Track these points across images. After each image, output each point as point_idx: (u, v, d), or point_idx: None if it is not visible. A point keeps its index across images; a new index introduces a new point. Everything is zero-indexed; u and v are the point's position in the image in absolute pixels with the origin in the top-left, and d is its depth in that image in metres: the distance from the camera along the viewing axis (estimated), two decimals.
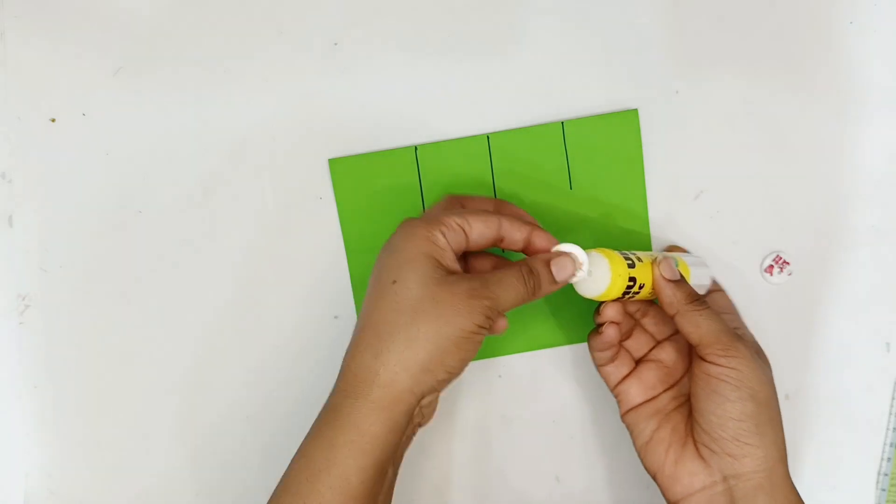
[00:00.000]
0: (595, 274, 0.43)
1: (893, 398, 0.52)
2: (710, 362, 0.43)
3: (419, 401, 0.41)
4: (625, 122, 0.51)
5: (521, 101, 0.51)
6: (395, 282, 0.40)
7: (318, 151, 0.51)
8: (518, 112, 0.51)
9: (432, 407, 0.44)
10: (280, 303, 0.51)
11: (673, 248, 0.50)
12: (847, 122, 0.51)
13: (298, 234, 0.51)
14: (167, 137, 0.51)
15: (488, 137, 0.50)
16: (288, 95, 0.51)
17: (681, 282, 0.44)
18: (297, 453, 0.42)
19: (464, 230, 0.42)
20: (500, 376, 0.51)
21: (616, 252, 0.44)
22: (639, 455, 0.46)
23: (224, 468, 0.51)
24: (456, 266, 0.42)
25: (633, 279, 0.43)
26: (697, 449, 0.44)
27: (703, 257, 0.50)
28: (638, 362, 0.47)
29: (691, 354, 0.46)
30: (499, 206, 0.47)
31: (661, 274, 0.44)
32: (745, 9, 0.51)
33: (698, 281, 0.47)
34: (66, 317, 0.51)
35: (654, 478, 0.45)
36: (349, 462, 0.39)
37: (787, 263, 0.48)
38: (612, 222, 0.51)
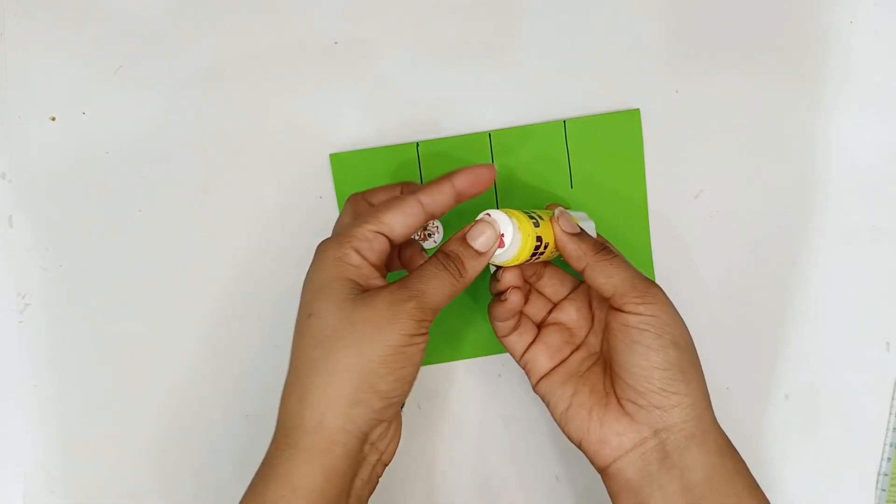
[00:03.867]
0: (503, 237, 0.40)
1: (893, 398, 0.52)
2: (627, 312, 0.40)
3: (361, 439, 0.37)
4: (626, 122, 0.51)
5: (522, 99, 0.51)
6: (310, 315, 0.38)
7: (318, 151, 0.51)
8: (520, 110, 0.51)
9: (389, 439, 0.40)
10: (280, 302, 0.51)
11: (551, 206, 0.45)
12: (847, 122, 0.51)
13: (299, 234, 0.51)
14: (167, 137, 0.51)
15: (490, 135, 0.50)
16: (288, 94, 0.51)
17: (583, 234, 0.42)
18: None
19: (382, 233, 0.39)
20: (499, 376, 0.51)
21: (519, 211, 0.40)
22: (559, 424, 0.43)
23: (224, 468, 0.51)
24: (377, 280, 0.39)
25: (539, 238, 0.41)
26: (622, 406, 0.41)
27: (585, 213, 0.47)
28: (539, 328, 0.45)
29: (591, 310, 0.44)
30: (405, 187, 0.45)
31: (562, 229, 0.41)
32: (746, 9, 0.51)
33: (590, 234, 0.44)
34: (66, 316, 0.51)
35: (580, 446, 0.42)
36: None
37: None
38: (613, 222, 0.51)
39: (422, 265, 0.39)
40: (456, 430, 0.51)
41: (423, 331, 0.37)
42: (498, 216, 0.40)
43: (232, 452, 0.51)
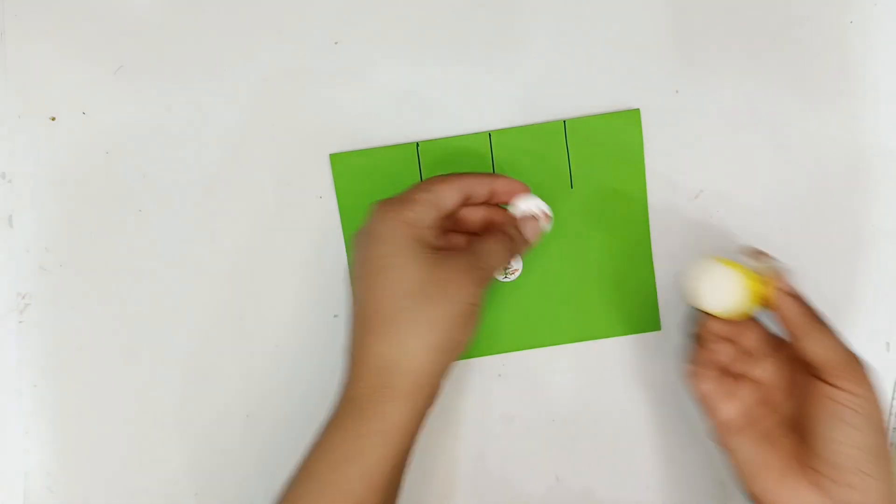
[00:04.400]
0: (725, 288, 0.41)
1: (893, 398, 0.52)
2: (835, 386, 0.40)
3: (438, 384, 0.41)
4: (626, 122, 0.51)
5: (522, 99, 0.51)
6: (391, 269, 0.41)
7: (318, 151, 0.51)
8: (519, 110, 0.51)
9: (442, 389, 0.44)
10: (279, 302, 0.51)
11: (758, 254, 0.45)
12: (847, 122, 0.51)
13: (298, 234, 0.51)
14: (167, 136, 0.51)
15: (490, 135, 0.50)
16: (288, 95, 0.51)
17: (801, 297, 0.41)
18: (316, 446, 0.42)
19: (433, 203, 0.42)
20: (499, 375, 0.51)
21: (735, 262, 0.41)
22: (740, 479, 0.43)
23: (223, 467, 0.51)
24: (439, 242, 0.43)
25: (754, 293, 0.41)
26: (814, 477, 0.40)
27: (782, 262, 0.46)
28: (733, 379, 0.44)
29: (792, 373, 0.43)
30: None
31: (783, 288, 0.41)
32: (746, 9, 0.51)
33: None
34: (66, 316, 0.51)
35: (757, 502, 0.42)
36: (377, 452, 0.40)
37: None
38: (613, 221, 0.51)
39: (487, 239, 0.44)
40: (456, 430, 0.51)
41: (484, 296, 0.43)
42: (720, 269, 0.41)
43: (232, 452, 0.51)
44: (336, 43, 0.51)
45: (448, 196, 0.43)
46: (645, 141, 0.51)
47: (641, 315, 0.51)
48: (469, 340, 0.42)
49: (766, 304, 0.42)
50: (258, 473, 0.51)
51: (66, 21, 0.51)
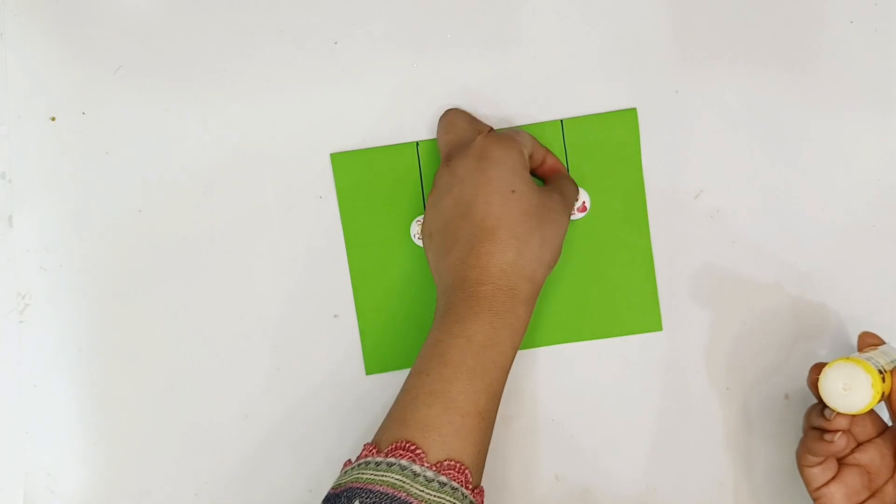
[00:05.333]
0: (857, 390, 0.42)
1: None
2: None
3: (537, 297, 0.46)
4: (623, 122, 0.51)
5: (520, 98, 0.51)
6: (514, 191, 0.45)
7: (318, 151, 0.51)
8: (518, 110, 0.51)
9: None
10: (279, 302, 0.51)
11: (868, 340, 0.47)
12: (846, 122, 0.51)
13: (298, 233, 0.51)
14: (167, 137, 0.51)
15: None
16: (288, 95, 0.51)
17: None
18: (446, 334, 0.44)
19: (531, 142, 0.48)
20: None
21: (866, 361, 0.42)
22: None
23: (223, 467, 0.51)
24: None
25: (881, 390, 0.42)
26: None
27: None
28: (839, 465, 0.45)
29: (894, 458, 0.45)
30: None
31: None
32: (745, 8, 0.51)
33: None
34: (66, 316, 0.51)
35: None
36: (508, 342, 0.44)
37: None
38: (612, 221, 0.51)
39: (562, 181, 0.49)
40: None
41: None
42: (853, 370, 0.42)
43: (232, 452, 0.51)
44: (336, 43, 0.51)
45: (533, 151, 0.48)
46: (645, 140, 0.51)
47: (642, 315, 0.51)
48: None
49: (885, 397, 0.43)
50: (258, 473, 0.51)
51: (66, 21, 0.51)
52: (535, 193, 0.45)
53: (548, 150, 0.50)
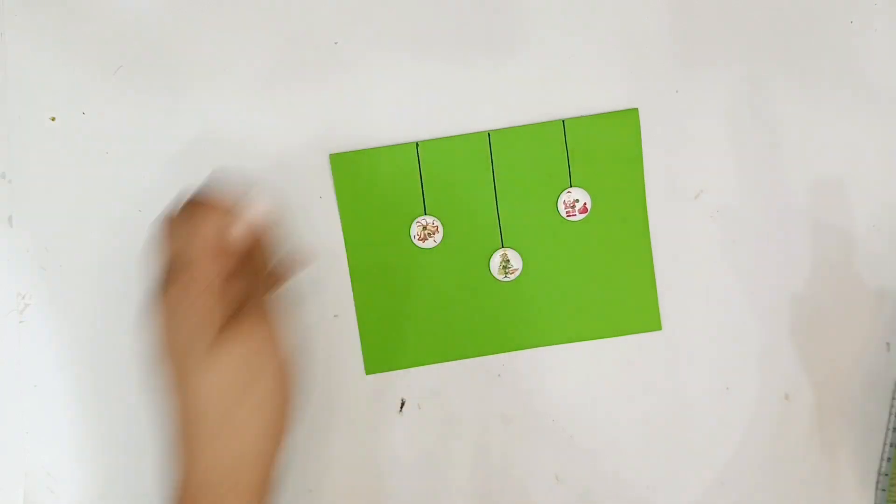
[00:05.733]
0: None
1: (893, 398, 0.52)
2: None
3: None
4: (625, 122, 0.51)
5: (522, 99, 0.51)
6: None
7: (318, 151, 0.51)
8: (519, 110, 0.51)
9: None
10: (279, 302, 0.51)
11: None
12: (846, 122, 0.51)
13: (298, 233, 0.51)
14: (167, 137, 0.51)
15: (489, 135, 0.50)
16: (288, 95, 0.51)
17: None
18: None
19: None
20: (499, 375, 0.51)
21: None
22: None
23: None
24: None
25: None
26: None
27: None
28: None
29: None
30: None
31: None
32: (745, 8, 0.51)
33: None
34: (67, 316, 0.51)
35: None
36: None
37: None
38: (612, 221, 0.51)
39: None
40: (456, 430, 0.51)
41: None
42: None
43: None
44: (336, 43, 0.51)
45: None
46: (645, 140, 0.51)
47: (641, 315, 0.51)
48: None
49: None
50: None
51: (66, 21, 0.51)
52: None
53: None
